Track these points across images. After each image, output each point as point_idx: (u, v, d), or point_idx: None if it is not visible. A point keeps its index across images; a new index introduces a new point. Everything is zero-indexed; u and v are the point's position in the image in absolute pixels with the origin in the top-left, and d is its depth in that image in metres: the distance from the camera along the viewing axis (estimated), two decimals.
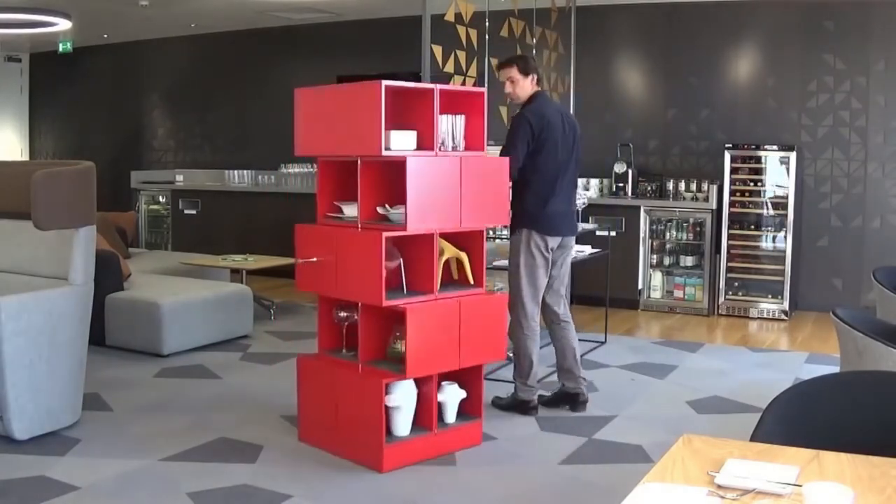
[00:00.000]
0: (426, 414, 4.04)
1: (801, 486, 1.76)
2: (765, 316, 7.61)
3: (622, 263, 7.60)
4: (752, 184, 7.70)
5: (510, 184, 4.56)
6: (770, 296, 7.65)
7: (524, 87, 4.67)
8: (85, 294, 4.36)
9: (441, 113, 3.90)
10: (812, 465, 1.95)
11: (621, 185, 8.25)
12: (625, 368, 5.79)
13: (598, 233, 6.62)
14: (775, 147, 7.60)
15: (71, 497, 3.56)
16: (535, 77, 4.72)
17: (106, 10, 9.04)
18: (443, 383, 4.11)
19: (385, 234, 3.73)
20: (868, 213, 7.68)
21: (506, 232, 5.65)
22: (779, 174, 7.60)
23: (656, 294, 8.02)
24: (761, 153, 7.65)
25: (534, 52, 6.42)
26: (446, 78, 5.37)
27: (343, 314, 4.06)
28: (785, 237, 7.58)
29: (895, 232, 7.58)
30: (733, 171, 7.69)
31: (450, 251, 4.06)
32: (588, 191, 8.29)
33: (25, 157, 12.38)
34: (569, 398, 4.83)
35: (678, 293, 7.93)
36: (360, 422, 3.93)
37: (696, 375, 5.62)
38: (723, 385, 5.37)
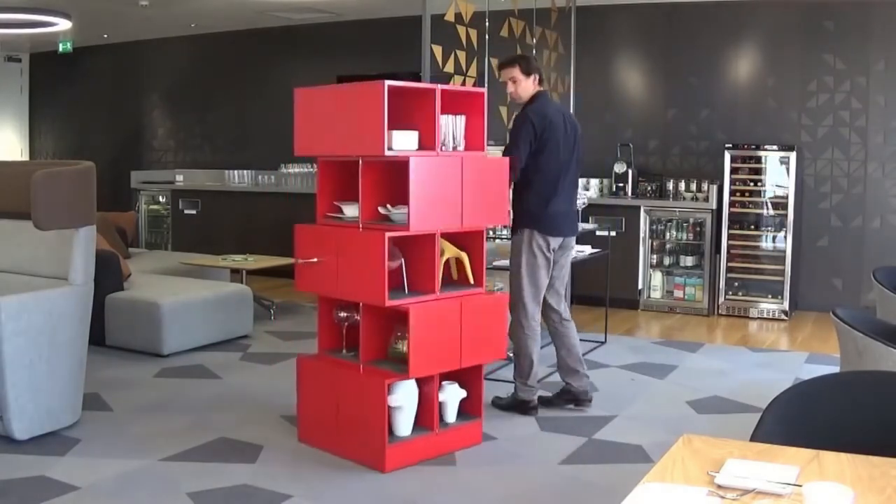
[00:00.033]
0: (427, 414, 4.04)
1: (801, 486, 1.76)
2: (765, 316, 7.61)
3: (622, 263, 7.60)
4: (752, 184, 7.70)
5: (512, 184, 4.57)
6: (770, 296, 7.66)
7: (526, 86, 4.67)
8: (85, 294, 4.36)
9: (441, 113, 3.91)
10: (812, 465, 1.94)
11: (621, 185, 8.25)
12: (625, 368, 5.79)
13: (598, 233, 6.62)
14: (775, 147, 7.60)
15: (71, 497, 3.56)
16: (538, 77, 4.72)
17: (106, 10, 9.04)
18: (443, 383, 4.11)
19: (388, 235, 3.73)
20: (868, 213, 7.68)
21: (506, 232, 5.66)
22: (779, 174, 7.60)
23: (656, 294, 8.02)
24: (761, 153, 7.65)
25: (534, 52, 6.42)
26: (446, 78, 5.37)
27: (343, 314, 4.06)
28: (785, 237, 7.58)
29: (895, 232, 7.58)
30: (733, 171, 7.69)
31: (450, 251, 4.07)
32: (588, 191, 8.29)
33: (25, 157, 12.38)
34: (574, 397, 4.83)
35: (678, 293, 7.93)
36: (362, 422, 3.93)
37: (696, 375, 5.62)
38: (723, 385, 5.37)
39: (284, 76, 9.79)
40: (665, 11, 8.30)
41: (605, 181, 8.44)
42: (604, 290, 6.60)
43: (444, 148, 3.93)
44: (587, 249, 6.03)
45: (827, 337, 6.55)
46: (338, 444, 4.05)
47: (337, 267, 3.95)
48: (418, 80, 4.72)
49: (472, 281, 4.15)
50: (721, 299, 7.77)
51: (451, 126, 3.95)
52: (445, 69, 5.40)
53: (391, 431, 3.93)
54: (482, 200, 4.07)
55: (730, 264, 7.76)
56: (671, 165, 8.38)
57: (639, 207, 7.97)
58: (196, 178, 10.54)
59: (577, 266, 5.76)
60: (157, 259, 7.83)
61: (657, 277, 8.02)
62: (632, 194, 8.19)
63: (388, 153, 3.73)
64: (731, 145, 7.70)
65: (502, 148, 6.52)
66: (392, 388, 3.88)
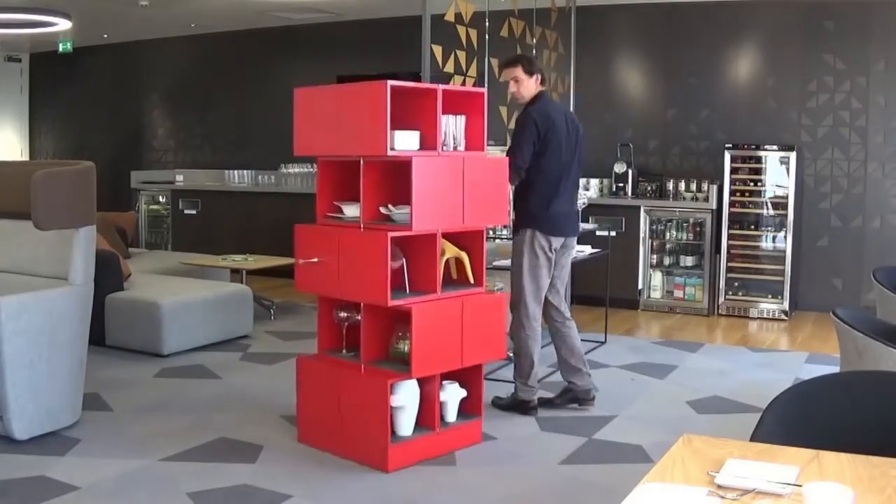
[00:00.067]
0: (429, 413, 4.04)
1: (801, 486, 1.76)
2: (765, 316, 7.61)
3: (622, 263, 7.60)
4: (752, 184, 7.70)
5: (516, 184, 4.56)
6: (770, 296, 7.66)
7: (528, 86, 4.67)
8: (85, 294, 4.36)
9: (442, 113, 3.90)
10: (812, 465, 1.94)
11: (621, 185, 8.25)
12: (625, 368, 5.79)
13: (598, 233, 6.61)
14: (775, 147, 7.60)
15: (71, 497, 3.56)
16: (540, 77, 4.73)
17: (106, 10, 9.04)
18: (443, 382, 4.11)
19: (390, 235, 3.73)
20: (868, 213, 7.68)
21: (506, 232, 5.66)
22: (779, 174, 7.60)
23: (656, 294, 8.02)
24: (761, 153, 7.65)
25: (534, 51, 6.42)
26: (446, 78, 5.37)
27: (343, 314, 4.06)
28: (785, 237, 7.58)
29: (895, 232, 7.58)
30: (733, 171, 7.69)
31: (451, 251, 4.07)
32: (588, 191, 8.29)
33: (25, 157, 12.38)
34: (577, 396, 4.83)
35: (678, 293, 7.93)
36: (364, 422, 3.93)
37: (696, 375, 5.62)
38: (723, 385, 5.37)
39: (284, 76, 9.79)
40: (665, 11, 8.30)
41: (605, 181, 8.44)
42: (604, 290, 6.60)
43: (444, 148, 3.93)
44: (587, 249, 6.03)
45: (827, 337, 6.55)
46: (339, 444, 4.05)
47: (338, 267, 3.95)
48: (418, 80, 4.72)
49: (472, 281, 4.15)
50: (721, 299, 7.77)
51: (451, 126, 3.95)
52: (445, 69, 5.40)
53: (392, 431, 3.93)
54: (482, 200, 4.08)
55: (730, 264, 7.76)
56: (671, 165, 8.38)
57: (639, 207, 7.97)
58: (196, 178, 10.54)
59: (578, 266, 5.76)
60: (157, 259, 7.84)
61: (657, 277, 8.02)
62: (632, 194, 8.19)
63: (390, 153, 3.73)
64: (731, 145, 7.70)
65: (502, 148, 6.55)
66: (394, 388, 3.88)
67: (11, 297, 4.00)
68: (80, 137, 12.14)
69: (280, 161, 9.88)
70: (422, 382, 4.00)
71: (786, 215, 7.54)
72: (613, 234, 7.20)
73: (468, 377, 4.21)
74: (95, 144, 11.66)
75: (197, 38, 10.75)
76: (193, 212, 10.04)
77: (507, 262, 5.25)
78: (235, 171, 10.31)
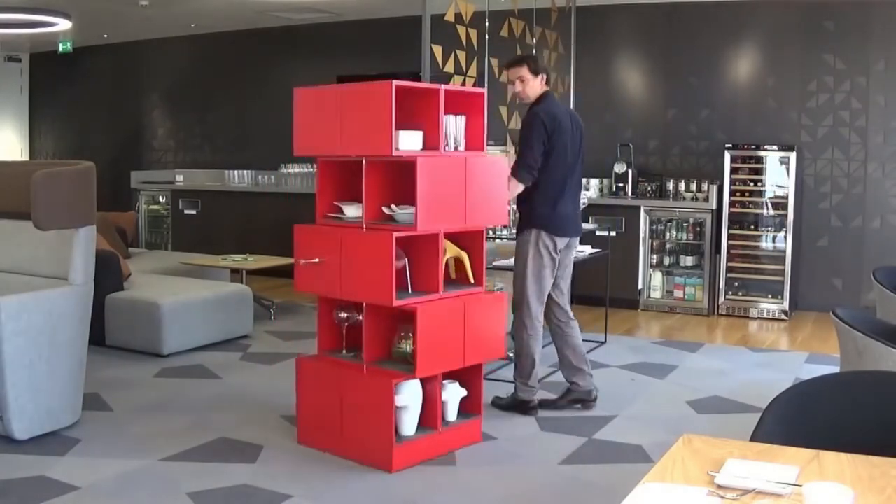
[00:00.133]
0: (430, 413, 4.04)
1: (801, 486, 1.76)
2: (765, 316, 7.61)
3: (622, 263, 7.60)
4: (752, 184, 7.70)
5: (528, 184, 4.54)
6: (770, 296, 7.66)
7: (534, 86, 4.68)
8: (85, 294, 4.36)
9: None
10: (812, 465, 1.94)
11: (621, 185, 8.25)
12: (625, 368, 5.79)
13: (598, 233, 6.61)
14: (775, 147, 7.60)
15: (71, 497, 3.56)
16: (545, 77, 4.73)
17: (106, 10, 9.04)
18: (444, 382, 4.11)
19: (395, 235, 3.73)
20: (868, 213, 7.68)
21: (506, 232, 5.66)
22: (779, 174, 7.60)
23: (656, 294, 8.02)
24: (761, 153, 7.65)
25: (534, 51, 6.42)
26: (446, 78, 5.37)
27: (344, 315, 4.06)
28: (785, 237, 7.58)
29: (895, 232, 7.58)
30: (733, 171, 7.69)
31: (451, 251, 4.07)
32: (588, 191, 8.28)
33: (25, 157, 12.38)
34: (579, 397, 4.83)
35: (678, 293, 7.93)
36: (368, 422, 3.93)
37: (696, 375, 5.62)
38: (723, 385, 5.37)
39: (284, 76, 9.79)
40: (665, 11, 8.30)
41: (605, 181, 8.44)
42: (604, 290, 6.60)
43: (445, 148, 3.93)
44: (587, 249, 6.03)
45: (827, 337, 6.55)
46: (340, 444, 4.05)
47: (340, 267, 3.94)
48: (418, 79, 4.72)
49: (472, 280, 4.15)
50: (721, 299, 7.77)
51: (452, 126, 3.95)
52: (445, 69, 5.40)
53: (395, 431, 3.93)
54: (483, 200, 4.08)
55: (730, 264, 7.76)
56: (671, 165, 8.38)
57: (639, 207, 7.97)
58: (196, 178, 10.54)
59: (578, 266, 5.76)
60: (157, 259, 7.84)
61: (657, 277, 8.02)
62: (632, 194, 8.19)
63: (394, 153, 3.73)
64: (731, 145, 7.70)
65: (502, 148, 6.55)
66: (398, 388, 3.89)
67: (11, 297, 4.00)
68: (80, 137, 12.14)
69: (280, 161, 9.88)
70: (423, 382, 4.00)
71: (786, 215, 7.54)
72: (613, 234, 7.20)
73: (468, 376, 4.21)
74: (95, 144, 11.66)
75: (197, 38, 10.75)
76: (193, 212, 10.04)
77: (508, 262, 5.25)
78: (235, 171, 10.31)
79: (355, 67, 9.22)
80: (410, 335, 3.91)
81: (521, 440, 4.37)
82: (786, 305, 7.56)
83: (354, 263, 3.89)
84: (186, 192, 10.15)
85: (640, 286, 7.99)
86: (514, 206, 4.89)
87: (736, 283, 7.77)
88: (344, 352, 4.17)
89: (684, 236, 7.94)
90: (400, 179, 3.95)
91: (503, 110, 6.24)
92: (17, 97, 12.44)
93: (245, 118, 10.59)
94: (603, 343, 6.42)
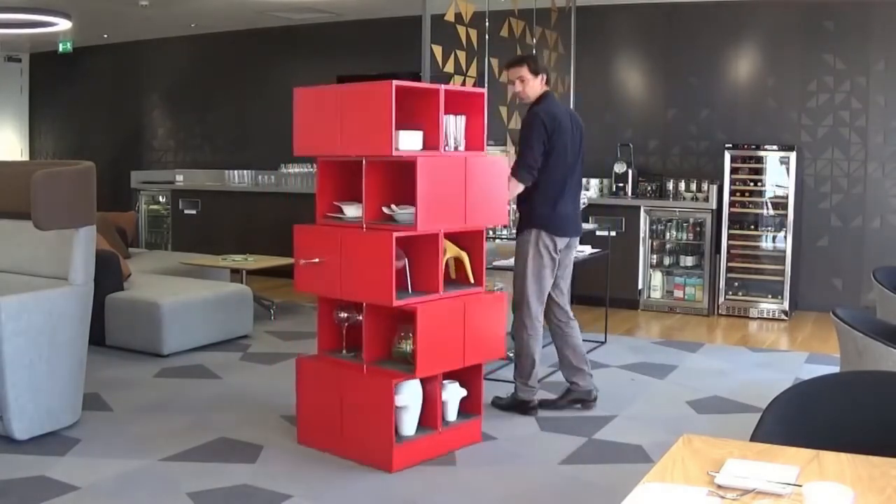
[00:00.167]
0: (430, 413, 4.04)
1: (801, 486, 1.76)
2: (765, 316, 7.61)
3: (622, 263, 7.60)
4: (752, 184, 7.70)
5: (529, 184, 4.54)
6: (770, 296, 7.66)
7: (534, 86, 4.68)
8: (85, 294, 4.36)
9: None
10: (812, 465, 1.94)
11: (621, 185, 8.25)
12: (625, 368, 5.79)
13: (598, 233, 6.61)
14: (775, 147, 7.60)
15: (71, 497, 3.56)
16: (545, 77, 4.73)
17: (106, 10, 9.04)
18: (444, 382, 4.11)
19: (396, 235, 3.73)
20: (868, 213, 7.68)
21: (506, 232, 5.66)
22: (779, 174, 7.60)
23: (656, 294, 8.02)
24: (761, 153, 7.65)
25: (534, 51, 6.42)
26: (446, 78, 5.37)
27: (344, 315, 4.06)
28: (785, 237, 7.58)
29: (895, 232, 7.58)
30: (733, 171, 7.69)
31: (451, 251, 4.07)
32: (588, 191, 8.28)
33: (25, 157, 12.38)
34: (579, 397, 4.83)
35: (678, 293, 7.93)
36: (368, 422, 3.93)
37: (696, 375, 5.62)
38: (723, 385, 5.37)
39: (284, 76, 9.79)
40: (665, 11, 8.30)
41: (605, 181, 8.44)
42: (604, 290, 6.60)
43: (445, 148, 3.93)
44: (587, 249, 6.03)
45: (827, 337, 6.55)
46: (340, 445, 4.05)
47: (340, 267, 3.94)
48: (418, 79, 4.72)
49: (471, 280, 4.15)
50: (721, 299, 7.77)
51: (452, 126, 3.95)
52: (445, 69, 5.40)
53: (395, 431, 3.93)
54: (483, 200, 4.08)
55: (730, 264, 7.76)
56: (671, 165, 8.38)
57: (639, 207, 7.97)
58: (196, 178, 10.54)
59: (578, 266, 5.76)
60: (157, 259, 7.84)
61: (657, 277, 8.02)
62: (632, 194, 8.19)
63: (395, 153, 3.73)
64: (731, 145, 7.70)
65: (502, 148, 6.55)
66: (398, 388, 3.89)
67: (11, 297, 4.00)
68: (80, 137, 12.14)
69: (280, 161, 9.88)
70: (423, 382, 4.00)
71: (786, 215, 7.54)
72: (613, 234, 7.20)
73: (467, 376, 4.21)
74: (95, 144, 11.66)
75: (197, 38, 10.75)
76: (193, 212, 10.04)
77: (507, 262, 5.25)
78: (235, 171, 10.31)
79: (355, 67, 9.22)
80: (410, 335, 3.91)
81: (521, 440, 4.37)
82: (786, 305, 7.56)
83: (354, 263, 3.89)
84: (186, 192, 10.15)
85: (640, 286, 7.99)
86: (514, 206, 4.89)
87: (736, 283, 7.77)
88: (344, 352, 4.17)
89: (684, 236, 7.94)
90: (399, 179, 3.95)
91: (503, 110, 6.24)
92: (17, 97, 12.44)
93: (245, 118, 10.59)
94: (603, 343, 6.42)
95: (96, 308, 4.80)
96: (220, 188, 10.13)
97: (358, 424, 3.98)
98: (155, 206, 10.50)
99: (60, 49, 10.70)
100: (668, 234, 8.00)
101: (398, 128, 3.75)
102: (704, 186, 7.90)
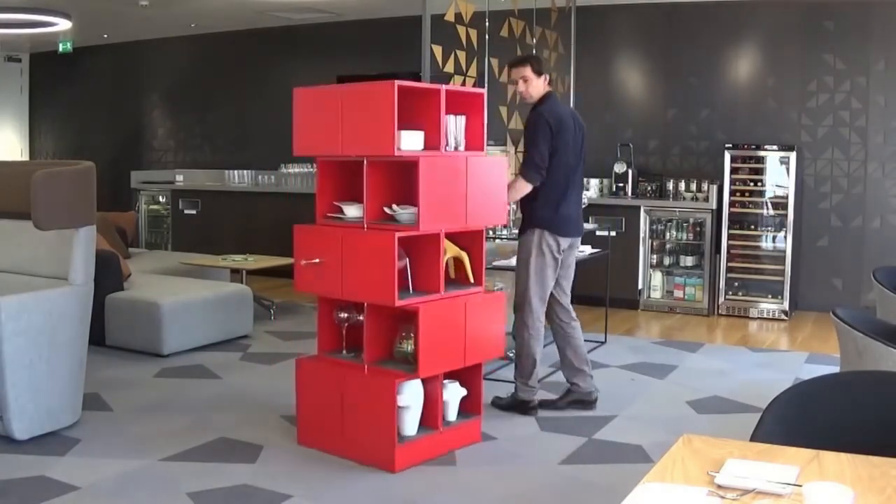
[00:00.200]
0: (431, 413, 4.04)
1: (801, 486, 1.76)
2: (765, 316, 7.61)
3: (622, 263, 7.60)
4: (752, 184, 7.70)
5: (537, 183, 4.53)
6: (770, 296, 7.66)
7: (537, 86, 4.68)
8: (85, 294, 4.35)
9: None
10: (812, 465, 1.95)
11: (621, 185, 8.25)
12: (625, 368, 5.79)
13: (598, 233, 6.61)
14: (775, 147, 7.60)
15: (71, 497, 3.56)
16: (548, 77, 4.74)
17: (106, 10, 9.04)
18: (444, 381, 4.11)
19: (398, 235, 3.73)
20: (868, 213, 7.68)
21: (506, 232, 5.66)
22: (779, 174, 7.60)
23: (656, 294, 8.02)
24: (761, 153, 7.65)
25: (534, 51, 6.42)
26: (446, 78, 5.37)
27: (344, 315, 4.06)
28: (785, 237, 7.58)
29: (895, 232, 7.58)
30: (733, 171, 7.69)
31: (451, 251, 4.07)
32: (588, 191, 8.28)
33: (25, 157, 12.38)
34: (580, 398, 4.83)
35: (678, 293, 7.93)
36: (369, 423, 3.93)
37: (696, 375, 5.62)
38: (723, 385, 5.37)
39: (284, 76, 9.79)
40: (665, 11, 8.30)
41: (605, 181, 8.44)
42: (604, 290, 6.60)
43: (446, 148, 3.94)
44: (587, 249, 6.03)
45: (827, 337, 6.55)
46: (341, 445, 4.05)
47: (341, 267, 3.94)
48: (418, 79, 4.72)
49: (471, 280, 4.15)
50: (721, 299, 7.77)
51: (452, 126, 3.96)
52: (445, 69, 5.40)
53: (397, 431, 3.93)
54: (484, 200, 4.09)
55: (730, 264, 7.76)
56: (671, 165, 8.39)
57: (639, 207, 7.97)
58: (196, 178, 10.54)
59: (578, 266, 5.74)
60: (157, 259, 7.84)
61: (657, 277, 8.02)
62: (632, 194, 8.19)
63: (396, 153, 3.73)
64: (731, 145, 7.70)
65: (502, 148, 6.55)
66: (400, 388, 3.89)
67: (11, 297, 4.00)
68: (80, 137, 12.14)
69: (280, 161, 9.88)
70: (424, 382, 4.00)
71: (786, 215, 7.54)
72: (613, 234, 7.20)
73: (467, 376, 4.21)
74: (95, 144, 11.67)
75: (197, 38, 10.75)
76: (193, 212, 10.04)
77: (507, 262, 5.25)
78: (235, 171, 10.31)
79: (355, 67, 9.22)
80: (412, 335, 3.91)
81: (521, 440, 4.37)
82: (786, 305, 7.56)
83: (356, 264, 3.88)
84: (186, 192, 10.15)
85: (640, 286, 7.99)
86: (514, 206, 4.89)
87: (736, 283, 7.77)
88: (344, 352, 4.17)
89: (684, 236, 7.94)
90: (399, 179, 3.95)
91: (503, 110, 6.24)
92: (17, 97, 12.45)
93: (245, 118, 10.59)
94: (603, 343, 6.42)
95: (96, 308, 4.80)
96: (220, 188, 10.13)
97: (359, 425, 3.98)
98: (155, 206, 10.50)
99: (60, 49, 10.70)
100: (668, 234, 8.00)
101: (399, 128, 3.76)
102: (704, 186, 7.90)
